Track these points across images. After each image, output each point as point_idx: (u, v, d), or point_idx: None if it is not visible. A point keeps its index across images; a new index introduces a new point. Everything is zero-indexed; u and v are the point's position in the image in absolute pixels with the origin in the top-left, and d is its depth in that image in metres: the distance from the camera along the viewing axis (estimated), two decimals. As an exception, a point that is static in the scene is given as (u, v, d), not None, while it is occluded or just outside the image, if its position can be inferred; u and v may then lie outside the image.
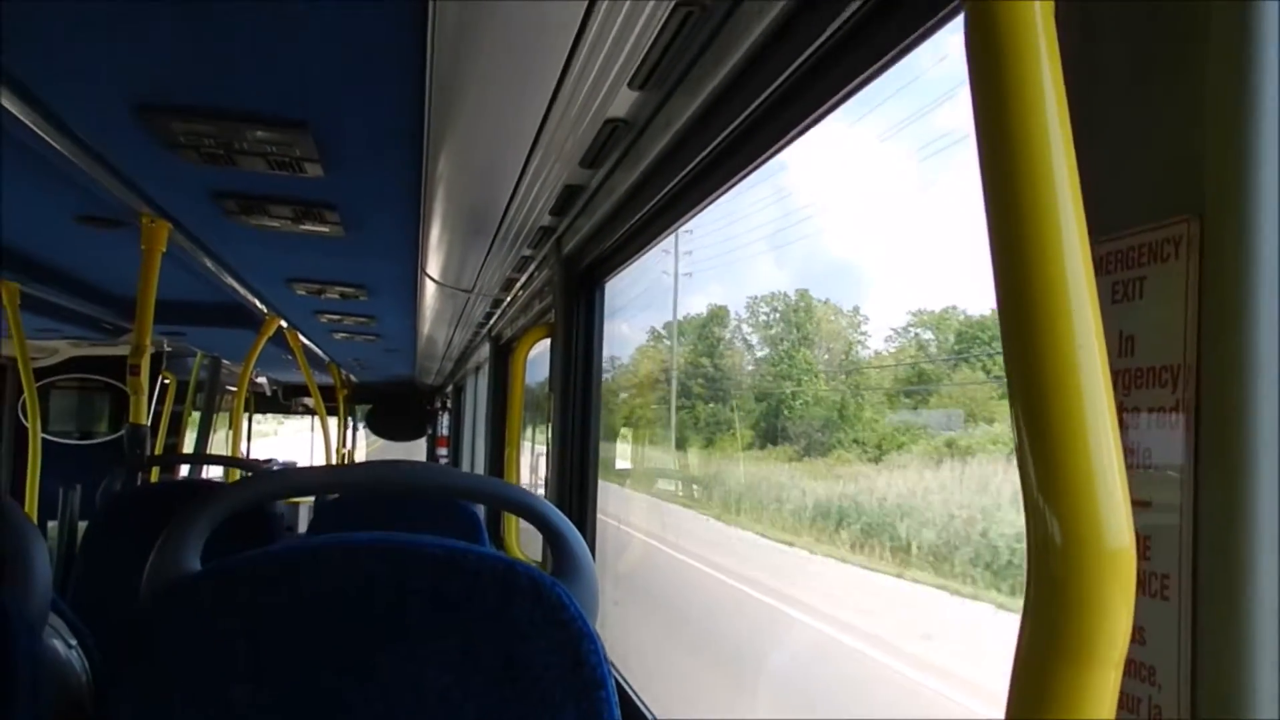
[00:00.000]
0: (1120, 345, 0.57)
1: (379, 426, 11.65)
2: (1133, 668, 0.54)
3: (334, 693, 1.09)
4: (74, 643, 1.49)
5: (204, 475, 6.80)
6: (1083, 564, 0.46)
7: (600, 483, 2.55)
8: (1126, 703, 0.54)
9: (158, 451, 6.61)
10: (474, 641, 1.10)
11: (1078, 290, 0.48)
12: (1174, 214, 0.53)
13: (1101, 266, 0.58)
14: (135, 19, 1.53)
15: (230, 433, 6.88)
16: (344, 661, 1.10)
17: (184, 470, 6.80)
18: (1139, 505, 0.54)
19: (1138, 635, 0.53)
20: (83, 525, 3.40)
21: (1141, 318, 0.56)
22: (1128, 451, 0.55)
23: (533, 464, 6.06)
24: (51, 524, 4.21)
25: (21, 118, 1.91)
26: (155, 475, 4.76)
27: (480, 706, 1.10)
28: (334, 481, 1.55)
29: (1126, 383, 0.56)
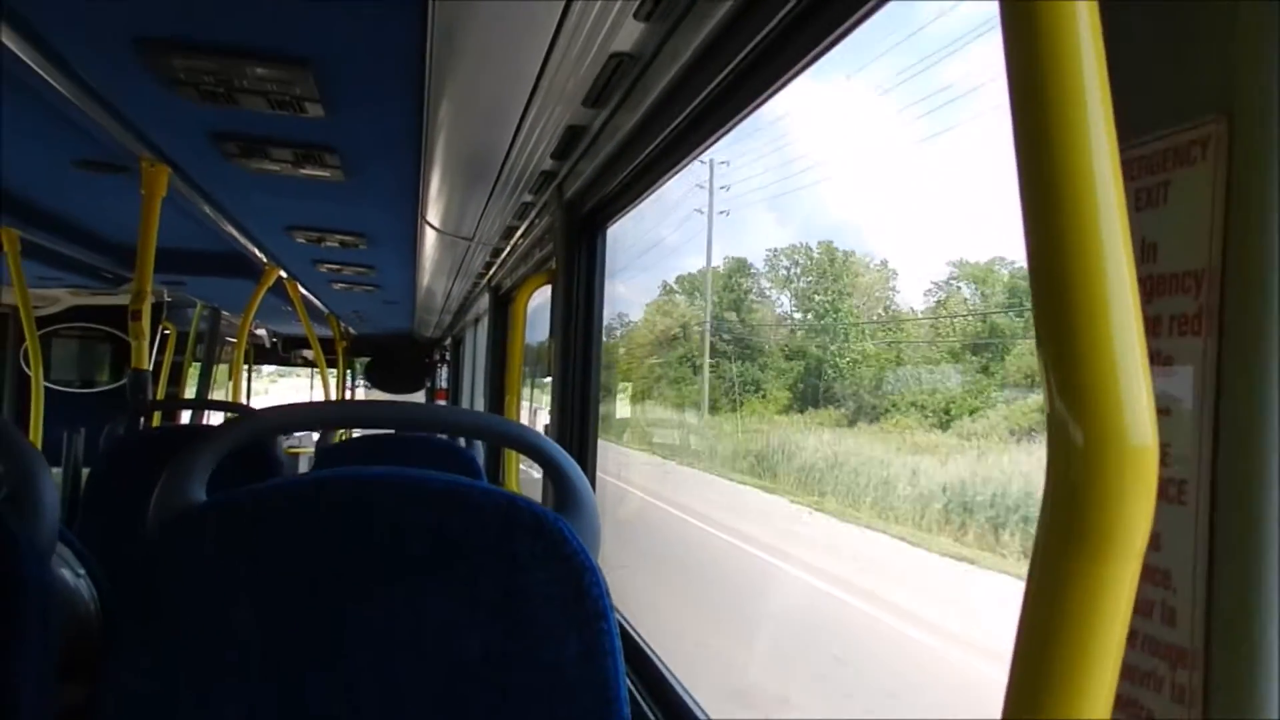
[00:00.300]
0: (1143, 252, 0.56)
1: (377, 379, 11.66)
2: (1147, 572, 0.54)
3: (337, 622, 1.10)
4: (82, 571, 1.50)
5: (205, 422, 6.84)
6: (1104, 464, 0.45)
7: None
8: (1141, 606, 0.54)
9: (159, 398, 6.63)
10: (476, 574, 1.11)
11: (1105, 194, 0.47)
12: (1201, 114, 0.52)
13: (1126, 173, 0.57)
14: None
15: (230, 384, 6.90)
16: (347, 591, 1.11)
17: (185, 416, 6.82)
18: (1158, 411, 0.53)
19: (1154, 541, 0.53)
20: (86, 471, 3.41)
21: (1165, 224, 0.55)
22: (1155, 360, 0.55)
23: (530, 420, 6.07)
24: (55, 470, 4.22)
25: (20, 54, 1.89)
26: (157, 420, 4.77)
27: (483, 638, 1.11)
28: (337, 416, 1.56)
29: (1148, 290, 0.56)
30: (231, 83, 2.06)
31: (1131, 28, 0.57)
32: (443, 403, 11.15)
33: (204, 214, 3.58)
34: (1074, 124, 0.48)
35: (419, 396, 12.11)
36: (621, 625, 2.24)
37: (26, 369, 4.90)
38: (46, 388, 4.98)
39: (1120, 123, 0.54)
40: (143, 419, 3.39)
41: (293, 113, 2.25)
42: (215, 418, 7.15)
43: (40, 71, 2.00)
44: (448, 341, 10.26)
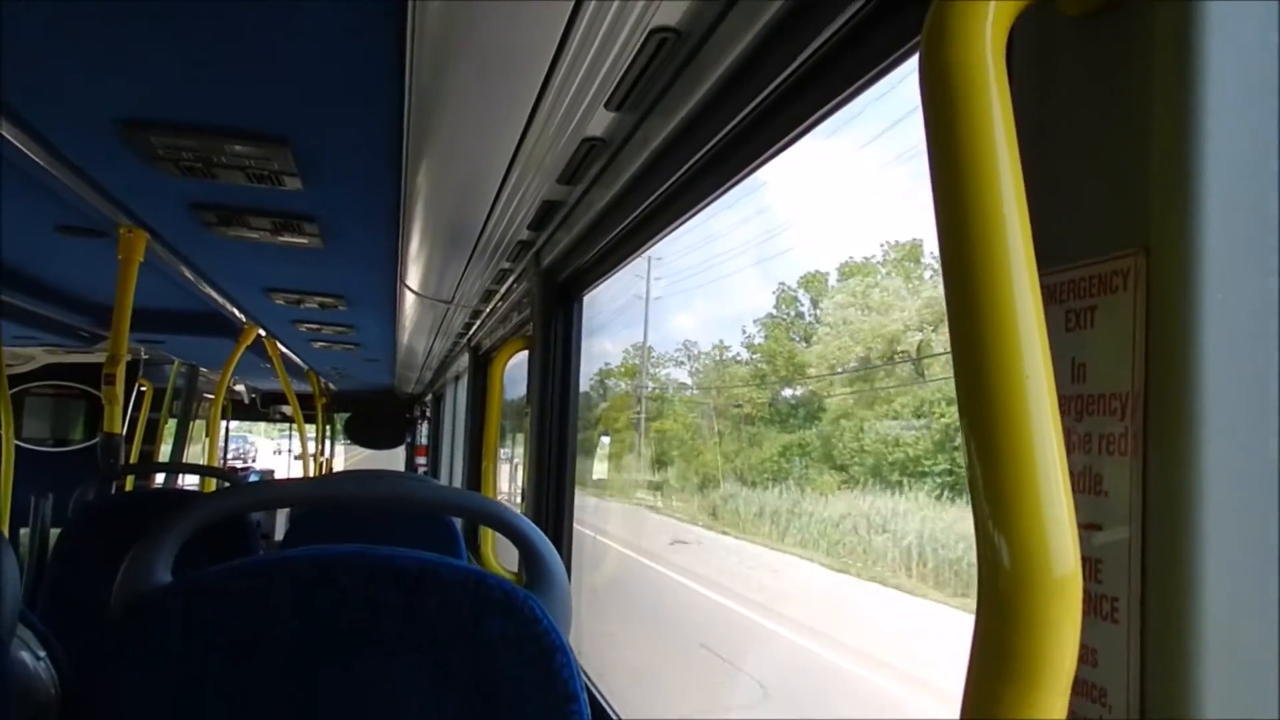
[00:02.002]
0: (1074, 372, 0.59)
1: (357, 434, 11.60)
2: (1084, 688, 0.55)
3: (306, 708, 1.10)
4: (42, 654, 1.49)
5: (180, 483, 6.78)
6: (1030, 588, 0.47)
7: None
8: None
9: (133, 459, 6.57)
10: (447, 655, 1.11)
11: (1026, 319, 0.50)
12: (1121, 247, 0.55)
13: (1055, 294, 0.60)
14: (118, 35, 1.54)
15: (207, 440, 6.85)
16: (316, 676, 1.10)
17: (159, 478, 6.76)
18: (1091, 529, 0.56)
19: (1089, 657, 0.55)
20: (55, 533, 3.38)
21: (1093, 346, 0.57)
22: (1082, 476, 0.57)
23: (512, 473, 6.05)
24: (24, 530, 4.18)
25: (3, 131, 1.92)
26: (130, 484, 4.73)
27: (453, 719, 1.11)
28: (308, 495, 1.56)
29: (1080, 409, 0.58)
30: (210, 158, 2.09)
31: (1059, 161, 0.60)
32: (422, 460, 11.09)
33: (182, 276, 3.59)
34: (995, 250, 0.51)
35: (399, 451, 12.04)
36: (595, 700, 2.23)
37: None
38: (18, 446, 4.93)
39: (1048, 249, 0.57)
40: (114, 483, 3.36)
41: (271, 185, 2.28)
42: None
43: (22, 147, 2.02)
44: (428, 397, 10.24)
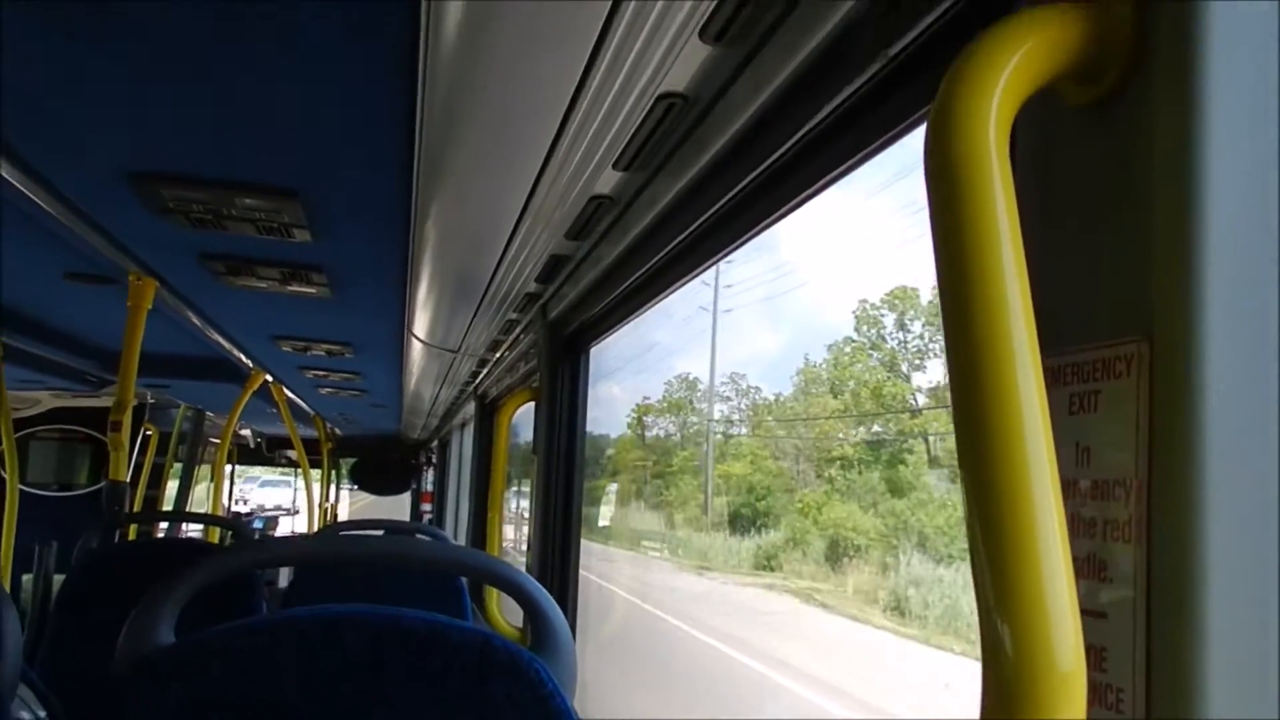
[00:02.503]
0: (1077, 456, 0.59)
1: (363, 480, 11.58)
2: None
3: None
4: (43, 714, 1.48)
5: (184, 529, 6.75)
6: (1033, 679, 0.47)
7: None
8: None
9: (138, 503, 6.55)
10: (452, 717, 1.10)
11: (1029, 402, 0.50)
12: (1125, 334, 0.55)
13: (1060, 378, 0.60)
14: (129, 88, 1.56)
15: (212, 485, 6.84)
16: None
17: (163, 525, 6.74)
18: (1096, 617, 0.55)
19: None
20: (58, 578, 3.36)
21: (1096, 430, 0.57)
22: (1086, 561, 0.57)
23: (517, 520, 6.02)
24: (25, 577, 4.16)
25: (13, 181, 1.94)
26: (133, 531, 4.71)
27: None
28: (313, 554, 1.55)
29: (1083, 493, 0.58)
30: (220, 211, 2.11)
31: (1062, 247, 0.60)
32: (427, 506, 11.06)
33: (190, 323, 3.61)
34: (999, 336, 0.51)
35: (405, 497, 12.01)
36: None
37: (2, 472, 4.85)
38: (21, 490, 4.92)
39: (1052, 333, 0.57)
40: (118, 531, 3.35)
41: (280, 238, 2.30)
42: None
43: (32, 196, 2.04)
44: (434, 443, 10.23)
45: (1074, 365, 0.59)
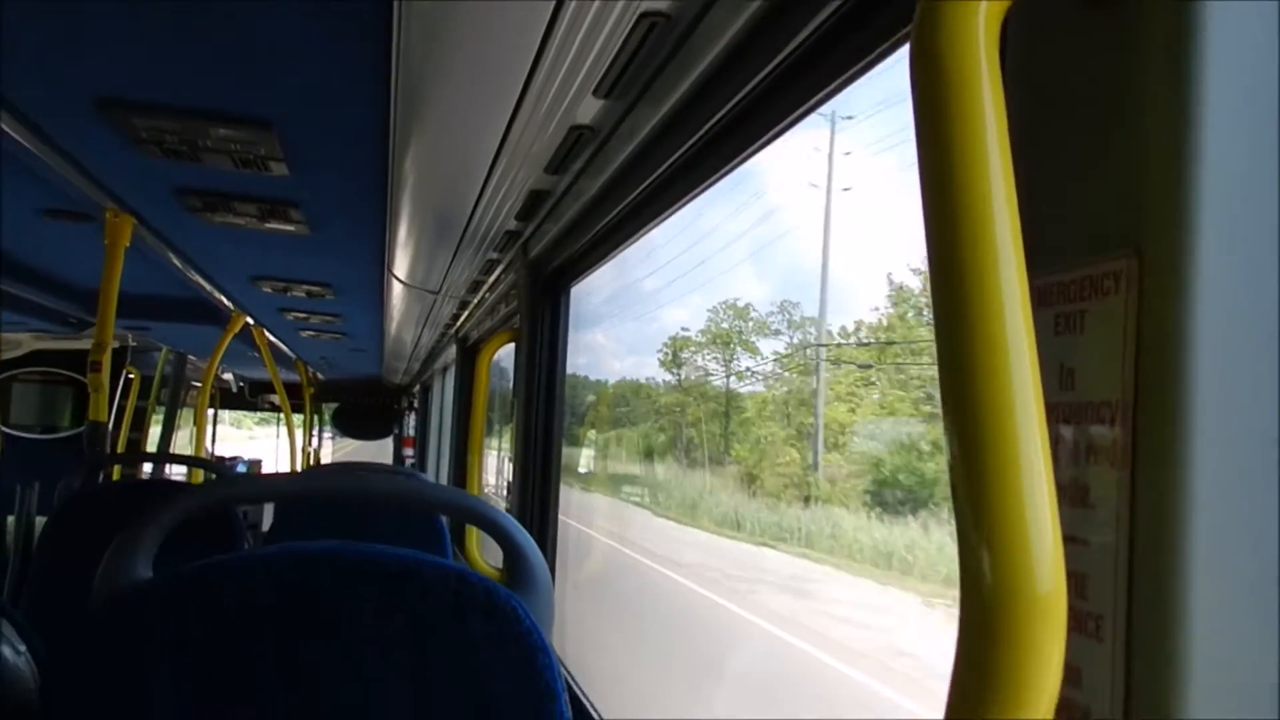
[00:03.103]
0: (1061, 378, 0.57)
1: (345, 425, 11.58)
2: (1067, 707, 0.53)
3: (282, 704, 1.08)
4: (22, 649, 1.47)
5: (167, 472, 6.75)
6: (1012, 604, 0.45)
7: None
8: None
9: (121, 448, 6.53)
10: (426, 654, 1.10)
11: (1014, 322, 0.48)
12: (1113, 250, 0.53)
13: (1045, 298, 0.58)
14: (100, 15, 1.52)
15: (195, 429, 6.82)
16: (293, 673, 1.09)
17: (146, 467, 6.73)
18: (1077, 543, 0.54)
19: (1073, 676, 0.53)
20: (41, 521, 3.35)
21: (1082, 351, 0.55)
22: (1068, 487, 0.55)
23: (498, 469, 6.03)
24: (9, 519, 4.15)
25: None
26: (116, 473, 4.70)
27: (433, 718, 1.10)
28: (293, 490, 1.54)
29: (1066, 416, 0.56)
30: (195, 142, 2.06)
31: (1051, 160, 0.58)
32: (409, 451, 11.08)
33: (169, 263, 3.57)
34: (984, 250, 0.48)
35: (387, 442, 12.02)
36: (578, 700, 2.21)
37: None
38: (4, 432, 4.90)
39: (1038, 250, 0.55)
40: (101, 472, 3.34)
41: (257, 171, 2.25)
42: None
43: (5, 128, 1.99)
44: (416, 388, 10.22)
45: (1059, 284, 0.57)
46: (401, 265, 3.20)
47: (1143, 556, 0.50)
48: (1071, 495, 0.55)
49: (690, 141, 1.43)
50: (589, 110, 1.54)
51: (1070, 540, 0.51)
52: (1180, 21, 0.50)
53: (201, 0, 1.45)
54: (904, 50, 0.93)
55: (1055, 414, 0.56)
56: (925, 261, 0.52)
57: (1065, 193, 0.57)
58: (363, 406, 11.25)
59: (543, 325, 2.58)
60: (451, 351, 5.35)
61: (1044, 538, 0.46)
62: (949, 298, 0.49)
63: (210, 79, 1.79)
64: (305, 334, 5.90)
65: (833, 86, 1.05)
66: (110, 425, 3.64)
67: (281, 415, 8.77)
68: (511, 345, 2.89)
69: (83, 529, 2.55)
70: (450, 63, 1.43)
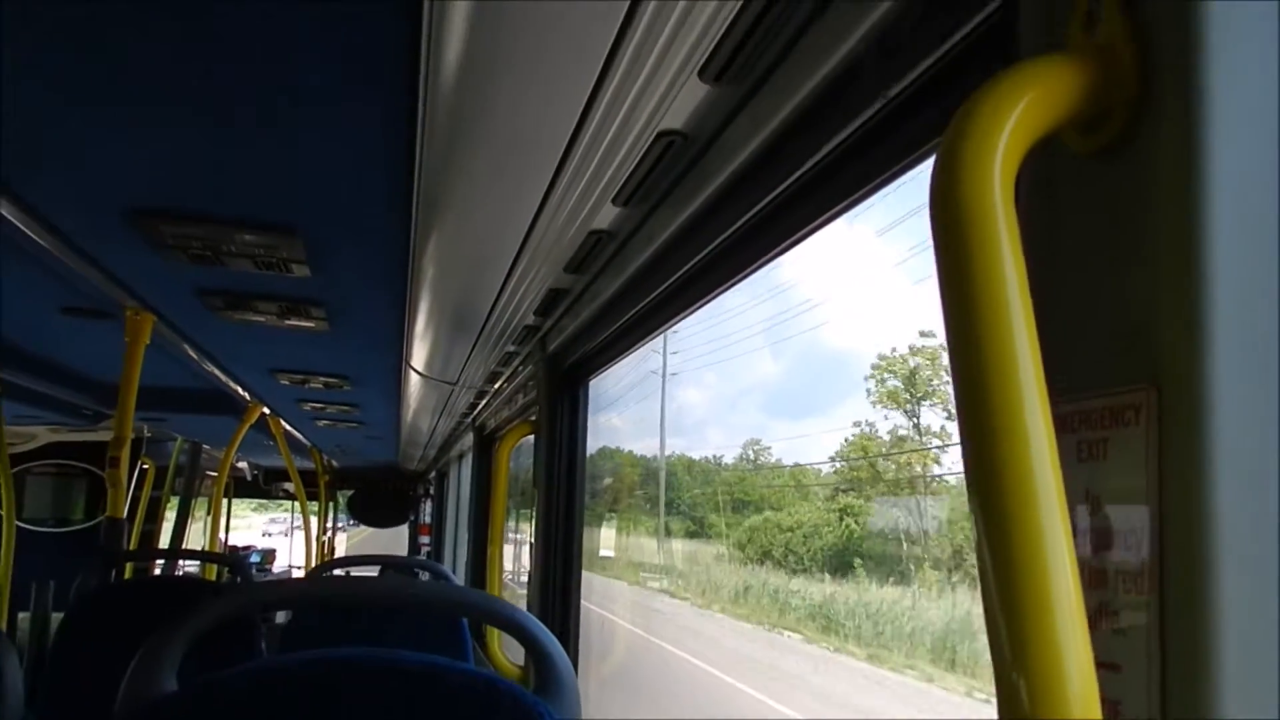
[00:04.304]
0: (1087, 504, 0.58)
1: (361, 512, 11.52)
2: None
3: None
4: None
5: (180, 566, 6.71)
6: None
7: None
8: None
9: (134, 538, 6.51)
10: None
11: (1039, 450, 0.50)
12: (1132, 382, 0.54)
13: (1067, 424, 0.59)
14: (129, 125, 1.57)
15: (209, 519, 6.80)
16: None
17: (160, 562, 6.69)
18: (1109, 669, 0.55)
19: None
20: (56, 616, 3.34)
21: (1106, 479, 0.57)
22: (1099, 613, 0.56)
23: (515, 551, 5.98)
24: (22, 615, 4.13)
25: (10, 217, 1.94)
26: (129, 569, 4.68)
27: None
28: (315, 596, 1.54)
29: (1095, 543, 0.57)
30: (219, 247, 2.11)
31: (1068, 295, 0.60)
32: (425, 539, 11.00)
33: (188, 357, 3.61)
34: (1007, 381, 0.50)
35: (402, 530, 11.95)
36: None
37: None
38: (18, 526, 4.89)
39: (1062, 379, 0.57)
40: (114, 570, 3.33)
41: (279, 273, 2.30)
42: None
43: (28, 230, 2.04)
44: (432, 475, 10.19)
45: (1081, 413, 0.58)
46: (419, 357, 3.24)
47: (1175, 683, 0.51)
48: (1101, 621, 0.56)
49: (706, 249, 1.46)
50: (607, 216, 1.58)
51: (1102, 666, 0.52)
52: (1186, 164, 0.52)
53: (229, 112, 1.50)
54: (906, 171, 0.97)
55: (1082, 540, 0.58)
56: (951, 390, 0.54)
57: (1083, 326, 0.59)
58: (378, 493, 11.21)
59: (562, 417, 2.59)
60: (468, 439, 5.35)
61: (1079, 667, 0.47)
62: (976, 427, 0.51)
63: (236, 187, 1.84)
64: (321, 423, 5.92)
65: (845, 202, 1.08)
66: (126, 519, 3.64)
67: (273, 503, 8.73)
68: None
69: (99, 628, 2.55)
70: (473, 169, 1.47)
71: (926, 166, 0.95)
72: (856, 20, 0.88)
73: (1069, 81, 0.56)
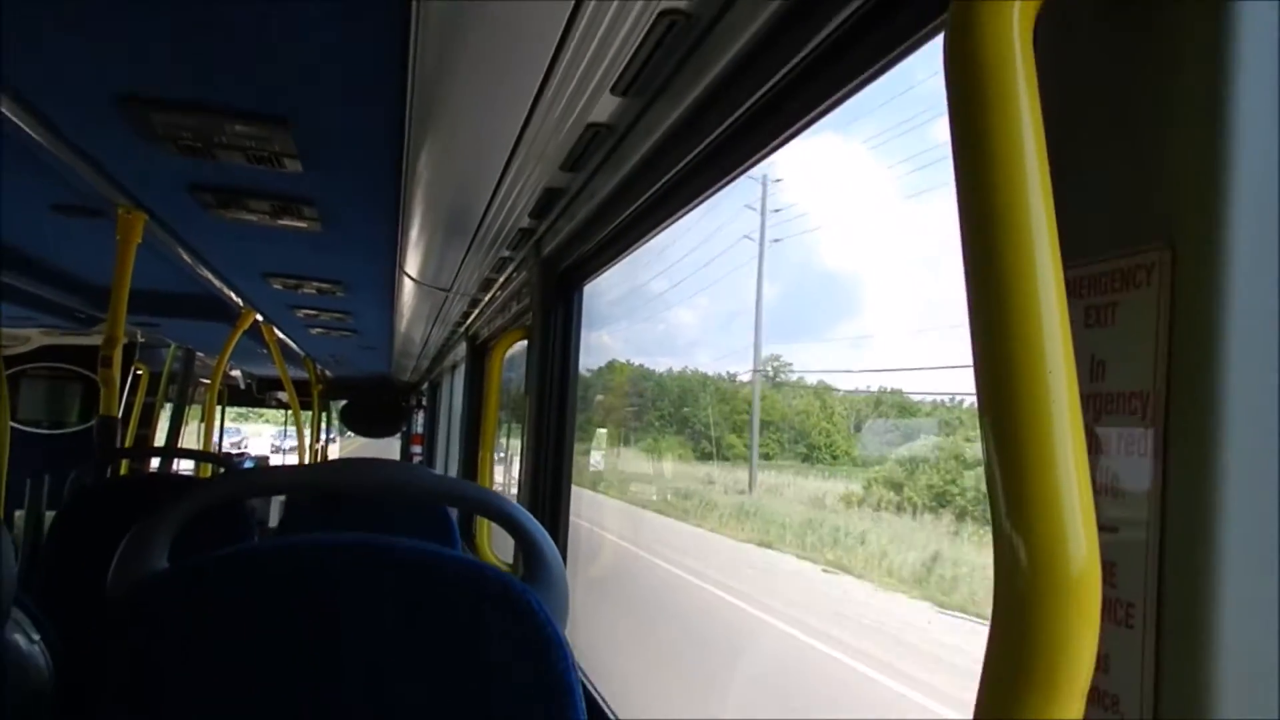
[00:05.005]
0: (1092, 370, 0.57)
1: (353, 422, 11.58)
2: (1096, 695, 0.54)
3: (300, 694, 1.09)
4: (36, 637, 1.48)
5: (175, 467, 6.76)
6: (1047, 588, 0.46)
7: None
8: None
9: (129, 443, 6.55)
10: (443, 645, 1.10)
11: (1049, 314, 0.49)
12: (1146, 242, 0.53)
13: (1075, 289, 0.58)
14: (118, 12, 1.53)
15: (203, 425, 6.83)
16: (311, 663, 1.09)
17: (154, 462, 6.74)
18: (1106, 530, 0.54)
19: (1102, 663, 0.54)
20: (50, 515, 3.36)
21: (1113, 343, 0.56)
22: (1099, 476, 0.56)
23: (507, 468, 6.03)
24: (18, 513, 4.16)
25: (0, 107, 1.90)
26: (125, 468, 4.71)
27: (448, 711, 1.10)
28: (305, 482, 1.54)
29: (1097, 407, 0.57)
30: (210, 138, 2.07)
31: (1084, 153, 0.58)
32: (418, 448, 11.08)
33: (180, 259, 3.58)
34: (1019, 240, 0.49)
35: (395, 441, 12.03)
36: (587, 692, 2.22)
37: None
38: (14, 427, 4.90)
39: (1069, 242, 0.55)
40: (110, 467, 3.35)
41: (271, 167, 2.26)
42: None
43: (19, 122, 2.00)
44: (425, 386, 10.22)
45: (1091, 277, 0.57)
46: (413, 263, 3.21)
47: (1174, 545, 0.51)
48: (1101, 485, 0.55)
49: (707, 140, 1.43)
50: (606, 108, 1.55)
51: (1100, 529, 0.52)
52: (1213, 19, 0.50)
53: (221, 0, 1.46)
54: (923, 48, 0.94)
55: (1086, 405, 0.57)
56: (961, 257, 0.52)
57: (1098, 186, 0.57)
58: (371, 403, 11.25)
59: (555, 323, 2.58)
60: (461, 349, 5.35)
61: (1078, 522, 0.46)
62: (984, 287, 0.50)
63: (228, 77, 1.80)
64: (315, 331, 5.91)
65: (850, 86, 1.06)
66: (119, 420, 3.65)
67: (268, 412, 8.77)
68: (522, 342, 2.89)
69: (94, 522, 2.56)
70: (467, 60, 1.44)
71: (931, 47, 0.93)
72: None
73: None
